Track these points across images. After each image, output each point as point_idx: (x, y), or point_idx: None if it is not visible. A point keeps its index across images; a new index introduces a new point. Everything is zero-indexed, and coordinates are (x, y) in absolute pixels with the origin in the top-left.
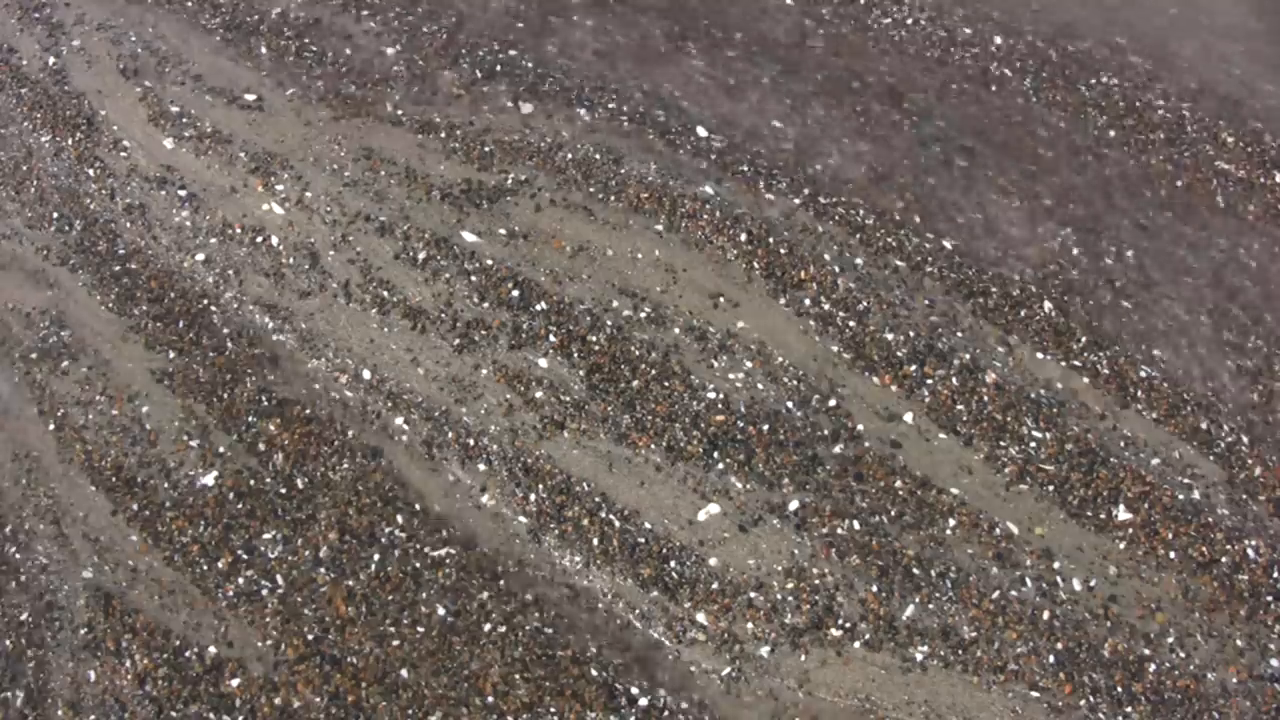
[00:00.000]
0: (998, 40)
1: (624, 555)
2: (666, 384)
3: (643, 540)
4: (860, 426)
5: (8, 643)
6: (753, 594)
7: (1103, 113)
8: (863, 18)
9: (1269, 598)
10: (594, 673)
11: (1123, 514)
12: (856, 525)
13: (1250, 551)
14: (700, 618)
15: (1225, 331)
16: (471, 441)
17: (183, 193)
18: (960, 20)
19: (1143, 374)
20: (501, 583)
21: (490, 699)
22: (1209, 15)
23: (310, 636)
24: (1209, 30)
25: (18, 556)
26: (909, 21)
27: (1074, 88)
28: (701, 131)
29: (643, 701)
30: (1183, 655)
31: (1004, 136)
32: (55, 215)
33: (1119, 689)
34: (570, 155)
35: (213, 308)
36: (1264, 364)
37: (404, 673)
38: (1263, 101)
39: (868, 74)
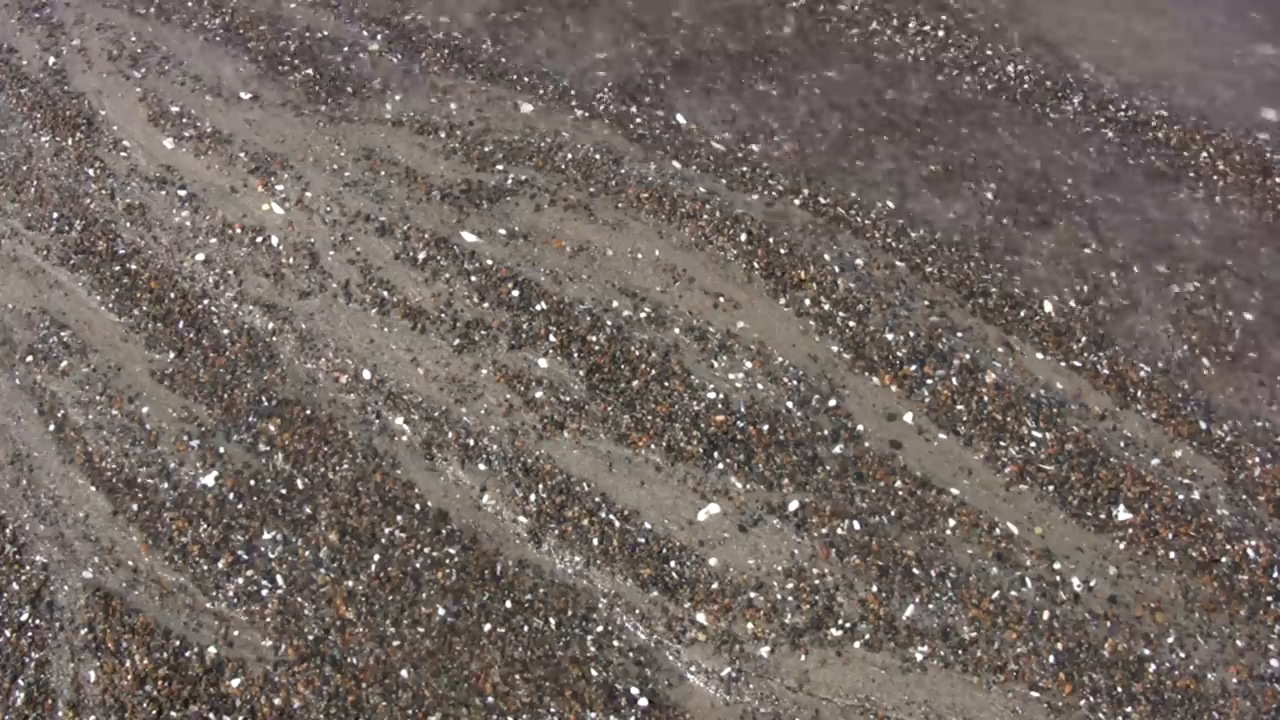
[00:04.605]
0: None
1: (624, 555)
2: (666, 384)
3: (643, 540)
4: (860, 426)
5: (8, 643)
6: (753, 594)
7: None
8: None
9: (1269, 598)
10: (594, 673)
11: (1123, 514)
12: (856, 525)
13: (1250, 551)
14: (700, 618)
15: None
16: (471, 441)
17: (183, 193)
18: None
19: (1143, 374)
20: (501, 582)
21: (490, 699)
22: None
23: (310, 636)
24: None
25: (18, 556)
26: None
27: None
28: (679, 117)
29: (643, 702)
30: (1183, 655)
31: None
32: (55, 215)
33: (1119, 689)
34: (570, 155)
35: (213, 308)
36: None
37: (404, 673)
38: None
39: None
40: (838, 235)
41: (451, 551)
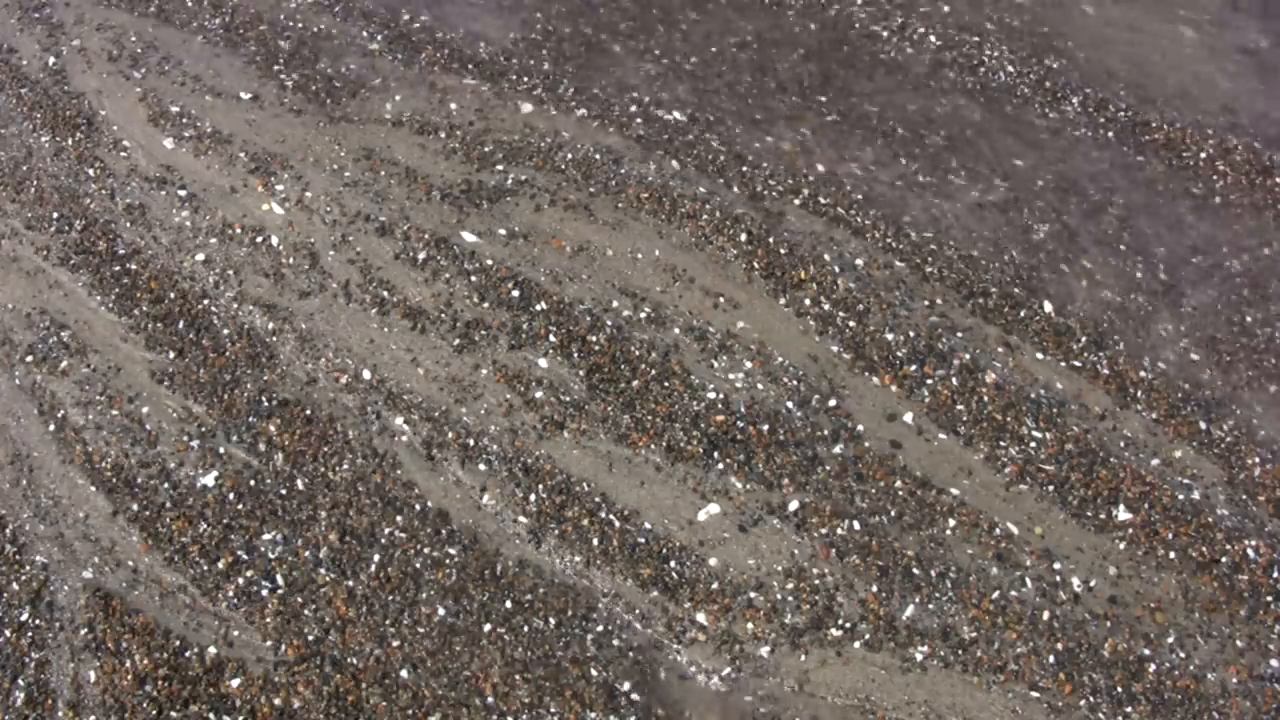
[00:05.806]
0: (988, 52)
1: (624, 555)
2: (666, 384)
3: (643, 540)
4: (860, 426)
5: (8, 643)
6: (753, 594)
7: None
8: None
9: (1269, 598)
10: (594, 673)
11: (1123, 514)
12: (856, 525)
13: (1250, 551)
14: (700, 618)
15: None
16: (471, 441)
17: (183, 193)
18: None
19: (1143, 374)
20: (501, 582)
21: (490, 699)
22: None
23: (310, 637)
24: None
25: (18, 556)
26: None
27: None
28: (678, 116)
29: (643, 702)
30: (1183, 655)
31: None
32: (55, 215)
33: (1119, 689)
34: (570, 155)
35: (213, 308)
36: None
37: (404, 673)
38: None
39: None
40: (837, 235)
41: (451, 551)
